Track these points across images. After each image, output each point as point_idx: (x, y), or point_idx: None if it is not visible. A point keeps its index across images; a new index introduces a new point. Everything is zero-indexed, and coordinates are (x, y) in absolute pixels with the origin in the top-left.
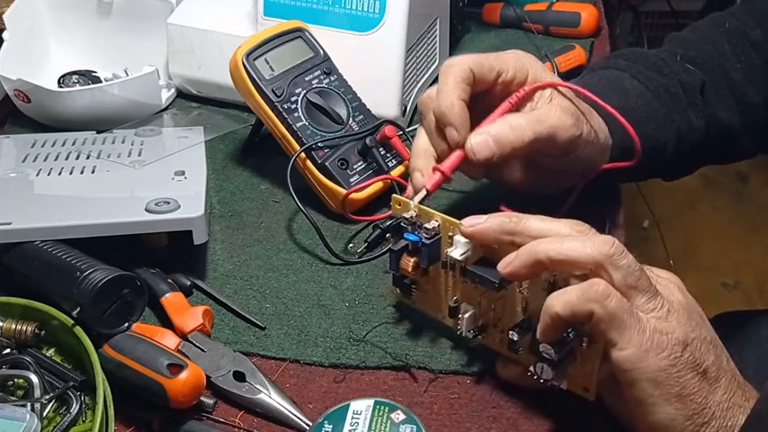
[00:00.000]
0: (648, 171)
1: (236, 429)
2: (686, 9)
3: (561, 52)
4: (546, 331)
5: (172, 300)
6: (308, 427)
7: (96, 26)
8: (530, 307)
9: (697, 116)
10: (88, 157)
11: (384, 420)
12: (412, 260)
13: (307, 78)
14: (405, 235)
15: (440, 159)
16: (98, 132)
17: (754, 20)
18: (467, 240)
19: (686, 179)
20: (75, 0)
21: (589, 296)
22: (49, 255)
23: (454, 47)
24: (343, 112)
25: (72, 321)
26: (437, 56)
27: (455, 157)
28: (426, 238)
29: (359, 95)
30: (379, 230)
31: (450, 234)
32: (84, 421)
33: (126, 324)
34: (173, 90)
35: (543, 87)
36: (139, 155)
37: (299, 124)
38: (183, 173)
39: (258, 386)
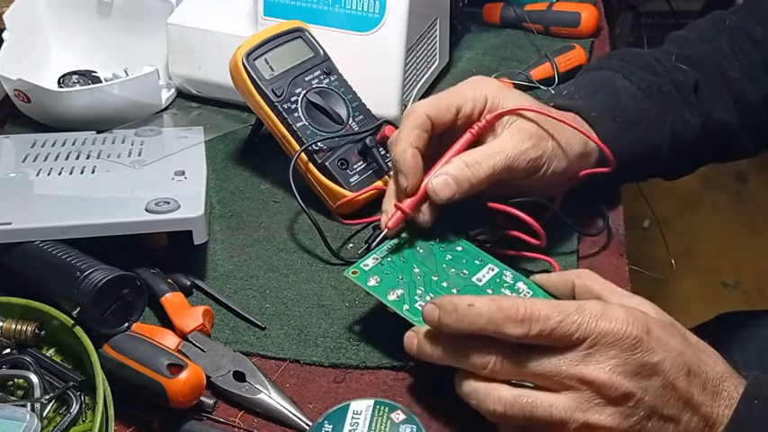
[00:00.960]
0: (646, 171)
1: (236, 429)
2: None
3: (561, 52)
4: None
5: (172, 300)
6: (307, 427)
7: (96, 26)
8: None
9: (693, 115)
10: (88, 157)
11: (384, 420)
12: None
13: (307, 78)
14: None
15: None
16: (98, 132)
17: (756, 17)
18: None
19: (686, 179)
20: (75, 0)
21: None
22: (49, 255)
23: (454, 47)
24: (343, 112)
25: (72, 321)
26: (437, 56)
27: (416, 195)
28: None
29: (359, 95)
30: (379, 231)
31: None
32: (84, 421)
33: (126, 324)
34: (173, 90)
35: (498, 117)
36: (139, 155)
37: (299, 124)
38: (183, 173)
39: (258, 386)
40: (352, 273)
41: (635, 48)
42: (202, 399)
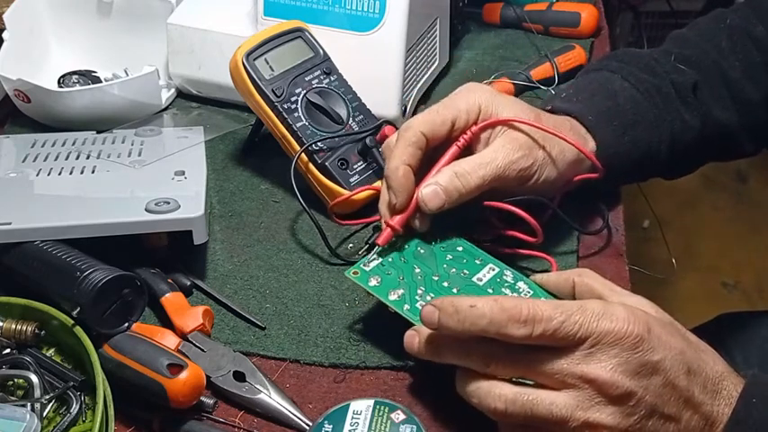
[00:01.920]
0: (646, 172)
1: (236, 429)
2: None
3: (561, 52)
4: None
5: (172, 300)
6: (307, 427)
7: (96, 26)
8: None
9: (691, 115)
10: (88, 157)
11: (384, 420)
12: None
13: (307, 78)
14: None
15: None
16: (98, 132)
17: (758, 16)
18: None
19: (686, 179)
20: (75, 0)
21: None
22: (49, 255)
23: (454, 47)
24: (343, 112)
25: (72, 321)
26: (437, 56)
27: (407, 210)
28: None
29: (359, 95)
30: (379, 231)
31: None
32: (84, 421)
33: (126, 324)
34: (173, 90)
35: (483, 129)
36: (139, 155)
37: (299, 124)
38: (183, 173)
39: (258, 386)
40: (353, 273)
41: (635, 48)
42: (202, 399)
